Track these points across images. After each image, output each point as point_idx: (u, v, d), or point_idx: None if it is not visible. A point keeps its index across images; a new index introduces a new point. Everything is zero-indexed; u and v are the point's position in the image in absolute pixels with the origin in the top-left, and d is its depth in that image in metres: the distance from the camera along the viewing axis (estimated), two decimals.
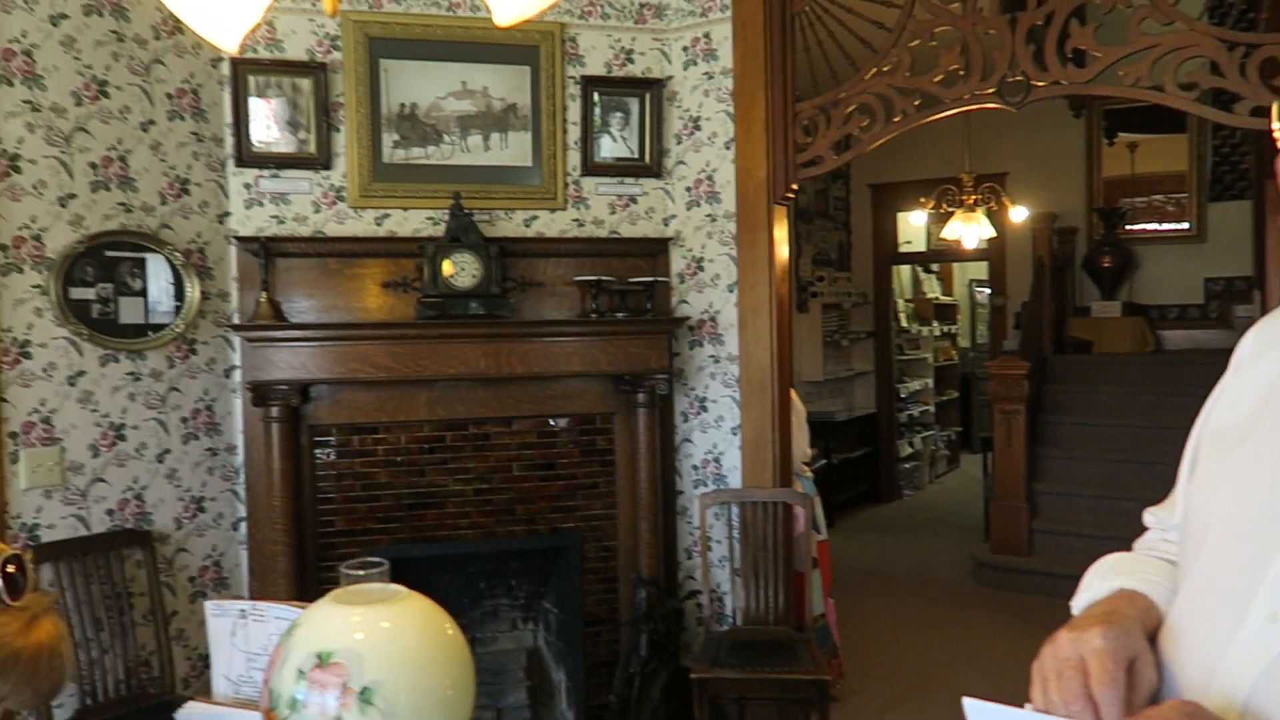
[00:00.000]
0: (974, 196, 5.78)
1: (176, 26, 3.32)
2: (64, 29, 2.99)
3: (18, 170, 2.87)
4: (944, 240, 6.91)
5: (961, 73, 3.27)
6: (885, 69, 3.39)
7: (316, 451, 3.54)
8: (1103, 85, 3.13)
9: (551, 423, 3.76)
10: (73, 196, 3.01)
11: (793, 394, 3.95)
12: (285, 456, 3.38)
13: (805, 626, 3.89)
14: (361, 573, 1.08)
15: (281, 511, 3.38)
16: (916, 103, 3.34)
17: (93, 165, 3.06)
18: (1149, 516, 1.17)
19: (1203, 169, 7.34)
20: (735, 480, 3.83)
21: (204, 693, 1.35)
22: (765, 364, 3.69)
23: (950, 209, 6.01)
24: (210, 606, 1.40)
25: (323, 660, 0.99)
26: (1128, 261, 7.53)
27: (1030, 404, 6.08)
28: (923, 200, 6.20)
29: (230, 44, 1.20)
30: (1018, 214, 6.78)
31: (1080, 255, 7.66)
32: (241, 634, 1.37)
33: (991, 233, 6.40)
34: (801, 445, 4.14)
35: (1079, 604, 1.05)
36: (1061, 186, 7.64)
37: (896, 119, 3.38)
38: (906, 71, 3.34)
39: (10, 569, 1.03)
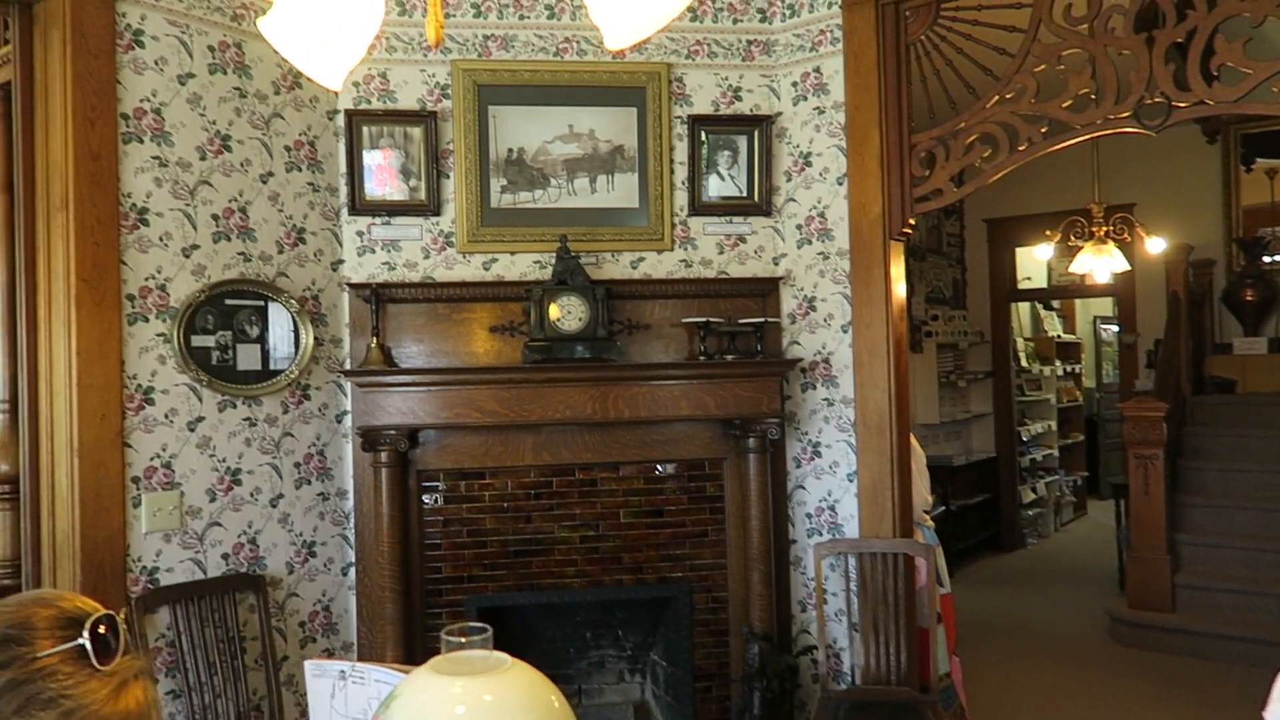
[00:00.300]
0: (1104, 228, 5.45)
1: (295, 81, 3.42)
2: (191, 87, 3.11)
3: (146, 223, 2.97)
4: (1070, 275, 6.55)
5: (1093, 97, 3.07)
6: (1008, 96, 3.21)
7: (424, 497, 3.54)
8: (1255, 103, 2.88)
9: (659, 468, 3.67)
10: (195, 247, 3.10)
11: (912, 438, 3.75)
12: (393, 502, 3.38)
13: (930, 687, 3.65)
14: (463, 639, 0.99)
15: (389, 557, 3.37)
16: (1043, 130, 3.15)
17: (215, 217, 3.16)
18: None
19: None
20: (852, 529, 3.65)
21: None
22: (883, 407, 3.52)
23: (1078, 242, 5.69)
24: (310, 666, 1.34)
25: None
26: (1273, 294, 6.99)
27: (1169, 448, 5.66)
28: (1049, 233, 5.89)
29: (335, 83, 1.17)
30: (1154, 245, 6.37)
31: (1219, 289, 7.17)
32: (340, 696, 1.31)
33: (1125, 266, 6.03)
34: (922, 492, 3.93)
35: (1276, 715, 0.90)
36: (1196, 217, 7.18)
37: (1021, 148, 3.20)
38: (1032, 98, 3.16)
39: (101, 630, 0.99)
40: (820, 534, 3.74)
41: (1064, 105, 3.13)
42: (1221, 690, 4.60)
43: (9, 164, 2.92)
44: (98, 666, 0.97)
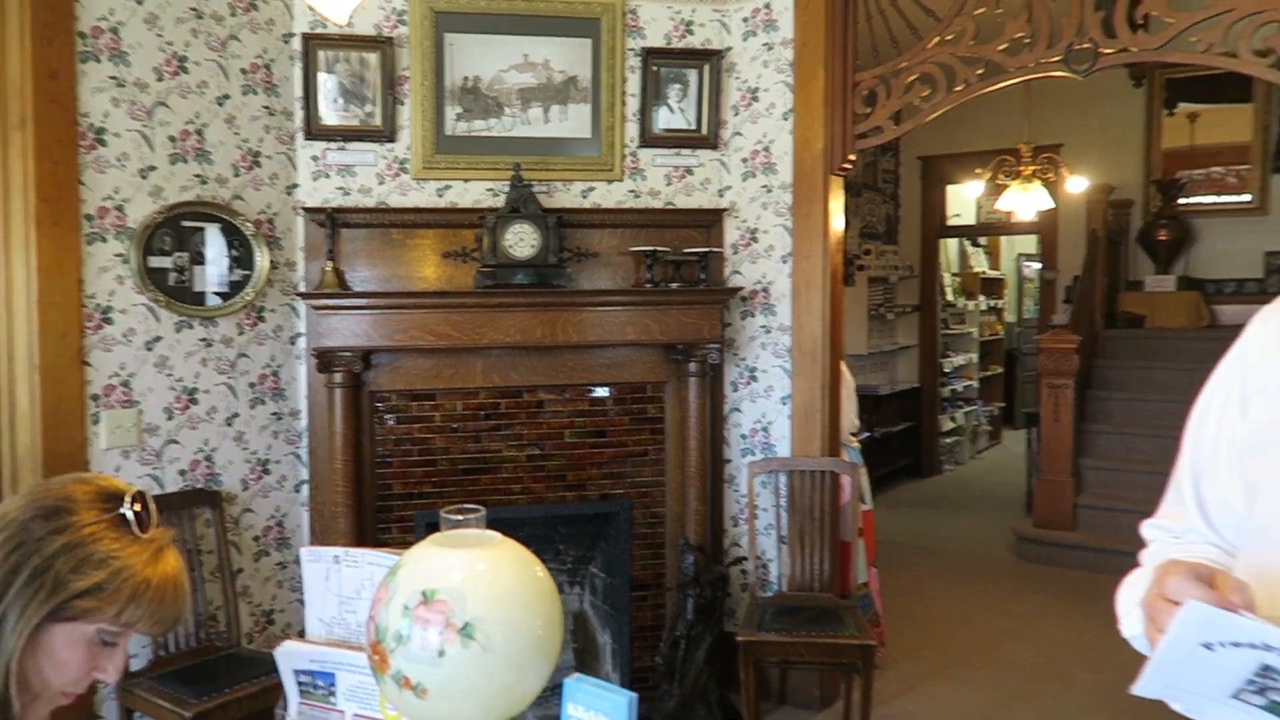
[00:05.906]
0: (1032, 167, 5.70)
1: (252, 3, 3.41)
2: (147, 7, 3.09)
3: (103, 144, 2.99)
4: (997, 212, 6.82)
5: (1027, 40, 3.25)
6: (948, 38, 3.37)
7: (376, 417, 3.64)
8: (1173, 52, 3.08)
9: (604, 391, 3.82)
10: (153, 168, 3.12)
11: (842, 365, 3.99)
12: (347, 422, 3.48)
13: (850, 595, 3.95)
14: (460, 518, 1.15)
15: (342, 475, 3.47)
16: (979, 72, 3.33)
17: (171, 139, 3.18)
18: (1151, 530, 1.15)
19: (1268, 139, 7.16)
20: (783, 449, 3.88)
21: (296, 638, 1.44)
22: (817, 335, 3.73)
23: (1006, 180, 5.94)
24: (305, 553, 1.49)
25: (428, 597, 1.06)
26: (1185, 235, 7.39)
27: (1080, 379, 6.04)
28: (978, 171, 6.14)
29: (340, 16, 1.27)
30: (1075, 185, 6.66)
31: (1135, 228, 7.54)
32: (335, 578, 1.46)
33: (1049, 204, 6.32)
34: (850, 416, 4.18)
35: (1126, 615, 1.03)
36: (1118, 158, 7.50)
37: (958, 89, 3.37)
38: (970, 40, 3.33)
39: (136, 506, 1.13)
40: (754, 454, 3.97)
41: (1000, 48, 3.30)
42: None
43: None
44: (138, 534, 1.12)
